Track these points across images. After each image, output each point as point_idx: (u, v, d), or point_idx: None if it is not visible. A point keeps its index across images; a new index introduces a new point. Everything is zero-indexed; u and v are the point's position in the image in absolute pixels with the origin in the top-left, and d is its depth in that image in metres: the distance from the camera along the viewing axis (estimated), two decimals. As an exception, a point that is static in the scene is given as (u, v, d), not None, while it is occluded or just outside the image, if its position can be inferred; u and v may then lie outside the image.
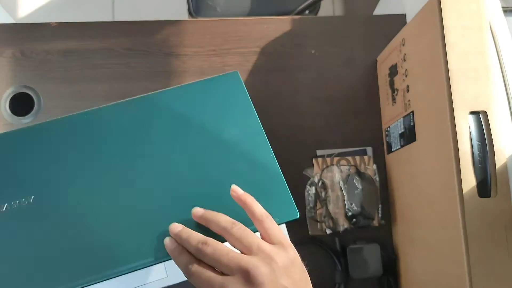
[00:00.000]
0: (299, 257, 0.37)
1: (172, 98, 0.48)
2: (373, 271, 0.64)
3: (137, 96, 0.48)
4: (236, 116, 0.47)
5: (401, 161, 0.64)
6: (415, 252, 0.61)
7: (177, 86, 0.49)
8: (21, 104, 0.69)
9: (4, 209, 0.42)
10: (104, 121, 0.46)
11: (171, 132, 0.46)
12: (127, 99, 0.47)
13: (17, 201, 0.42)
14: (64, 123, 0.46)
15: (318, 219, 0.66)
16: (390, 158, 0.68)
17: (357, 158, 0.69)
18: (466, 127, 0.47)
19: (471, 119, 0.48)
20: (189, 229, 0.36)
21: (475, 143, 0.48)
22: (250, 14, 1.04)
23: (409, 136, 0.60)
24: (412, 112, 0.59)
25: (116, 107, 0.47)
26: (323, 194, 0.67)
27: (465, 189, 0.46)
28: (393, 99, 0.66)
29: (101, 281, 0.39)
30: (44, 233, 0.41)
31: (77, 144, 0.45)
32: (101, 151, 0.45)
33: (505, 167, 0.47)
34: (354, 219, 0.65)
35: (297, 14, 1.00)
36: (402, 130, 0.63)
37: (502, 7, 0.57)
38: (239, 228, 0.35)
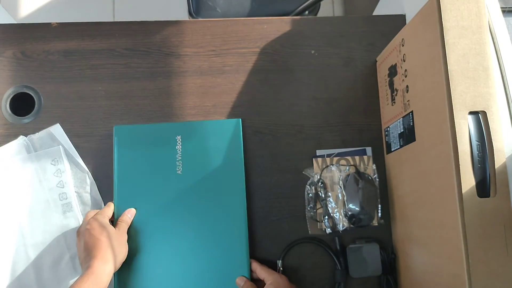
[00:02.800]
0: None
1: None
2: (373, 270, 0.64)
3: None
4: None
5: (400, 161, 0.64)
6: (414, 252, 0.61)
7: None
8: (21, 104, 0.69)
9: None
10: None
11: None
12: None
13: None
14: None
15: (318, 219, 0.67)
16: (389, 158, 0.68)
17: (357, 158, 0.69)
18: (465, 127, 0.48)
19: (470, 119, 0.48)
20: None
21: (475, 143, 0.48)
22: (250, 14, 1.04)
23: (408, 136, 0.60)
24: (412, 112, 0.59)
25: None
26: (322, 194, 0.67)
27: (465, 189, 0.47)
28: (393, 99, 0.66)
29: None
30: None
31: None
32: None
33: (504, 167, 0.47)
34: (353, 219, 0.65)
35: (297, 14, 1.00)
36: (402, 130, 0.63)
37: (501, 7, 0.57)
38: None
